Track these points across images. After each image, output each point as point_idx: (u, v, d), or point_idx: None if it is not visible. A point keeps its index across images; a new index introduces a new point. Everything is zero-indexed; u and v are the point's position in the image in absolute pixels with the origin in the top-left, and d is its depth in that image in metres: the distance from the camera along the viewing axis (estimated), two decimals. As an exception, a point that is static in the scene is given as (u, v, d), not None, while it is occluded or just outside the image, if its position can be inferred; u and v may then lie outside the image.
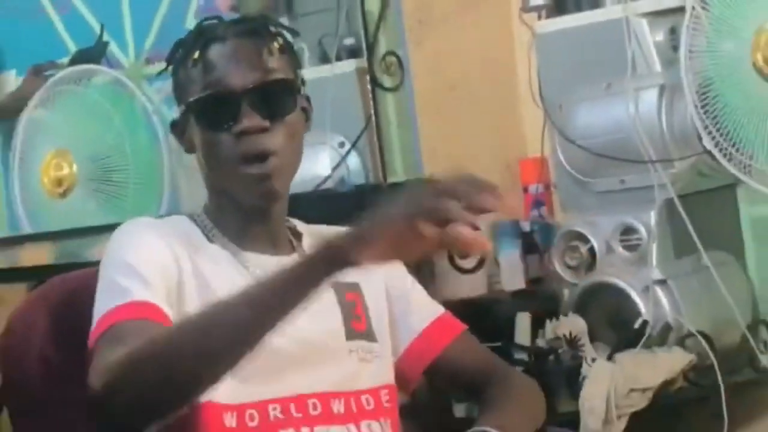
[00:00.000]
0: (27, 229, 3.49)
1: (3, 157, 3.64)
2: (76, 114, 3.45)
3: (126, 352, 1.84)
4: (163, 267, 1.99)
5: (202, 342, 1.84)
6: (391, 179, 3.35)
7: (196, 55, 2.03)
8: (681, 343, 2.94)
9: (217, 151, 2.02)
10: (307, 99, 2.09)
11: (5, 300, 2.60)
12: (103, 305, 1.95)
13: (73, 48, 3.61)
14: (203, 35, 2.07)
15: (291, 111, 2.02)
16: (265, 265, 2.04)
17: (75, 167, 3.42)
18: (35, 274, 2.66)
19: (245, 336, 1.82)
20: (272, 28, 2.11)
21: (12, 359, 2.13)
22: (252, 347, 1.82)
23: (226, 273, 2.03)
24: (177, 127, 2.10)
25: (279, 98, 2.03)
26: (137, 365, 1.83)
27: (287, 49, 2.08)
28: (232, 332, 1.83)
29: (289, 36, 2.15)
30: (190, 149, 2.09)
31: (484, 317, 2.97)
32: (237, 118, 1.97)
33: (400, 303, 2.17)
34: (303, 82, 2.10)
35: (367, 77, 3.39)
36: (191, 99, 2.03)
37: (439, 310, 2.20)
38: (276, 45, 2.06)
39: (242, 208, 2.08)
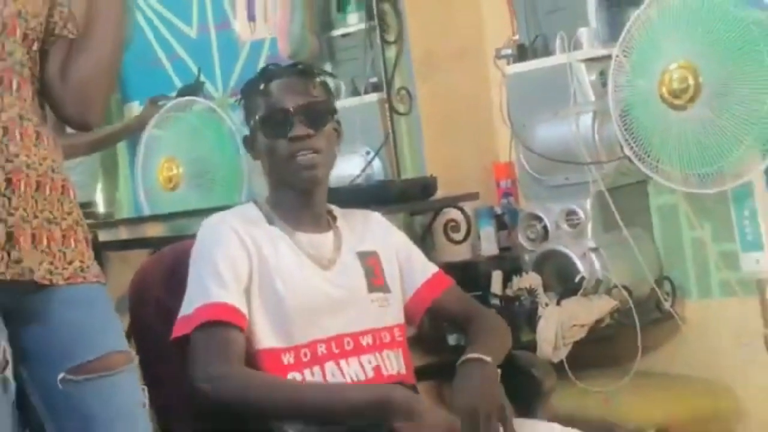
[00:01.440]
0: (147, 212, 3.47)
1: (130, 162, 3.63)
2: (181, 132, 3.43)
3: (226, 378, 1.93)
4: (237, 265, 2.01)
5: (272, 411, 1.92)
6: (403, 176, 3.29)
7: (262, 86, 2.09)
8: (608, 292, 2.96)
9: (277, 152, 2.05)
10: (338, 122, 2.14)
11: (132, 261, 2.59)
12: (191, 299, 2.01)
13: (179, 85, 3.54)
14: (267, 73, 2.13)
15: (327, 123, 2.08)
16: (311, 241, 2.09)
17: (181, 169, 3.41)
18: (153, 244, 2.68)
19: (301, 416, 1.92)
20: (315, 70, 2.16)
21: (137, 302, 2.18)
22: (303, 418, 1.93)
23: (282, 252, 2.06)
24: (247, 142, 2.15)
25: (319, 115, 2.07)
26: (238, 399, 1.92)
27: (324, 84, 2.14)
28: (293, 413, 1.92)
29: (326, 77, 2.20)
30: (256, 157, 2.14)
31: (469, 274, 2.95)
32: (291, 128, 2.02)
33: (406, 264, 2.21)
34: (335, 110, 2.15)
35: (386, 105, 3.32)
36: (258, 116, 2.07)
37: (435, 268, 2.25)
38: (317, 80, 2.12)
39: (294, 195, 2.10)
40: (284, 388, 1.99)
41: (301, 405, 1.95)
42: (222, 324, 1.96)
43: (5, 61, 1.68)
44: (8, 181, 1.66)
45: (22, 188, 1.68)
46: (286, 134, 2.03)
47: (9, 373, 1.68)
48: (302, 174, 2.04)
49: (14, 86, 1.70)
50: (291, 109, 2.04)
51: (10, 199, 1.67)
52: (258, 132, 2.09)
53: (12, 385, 1.68)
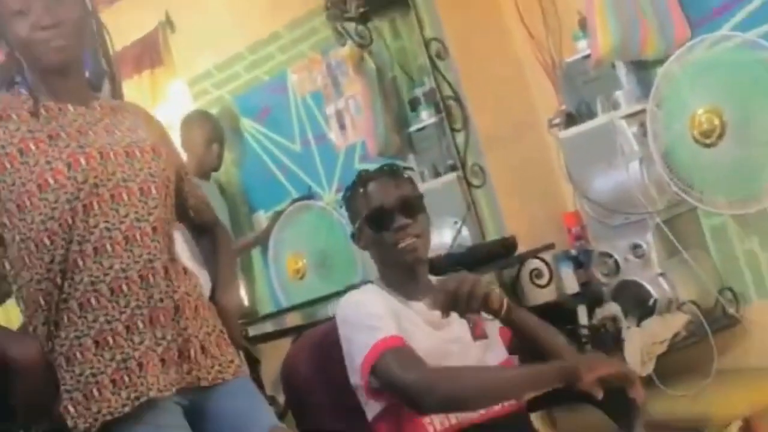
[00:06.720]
0: (283, 301, 3.41)
1: (263, 260, 3.66)
2: (302, 230, 3.42)
3: (426, 373, 1.86)
4: (388, 314, 1.98)
5: (481, 392, 1.88)
6: (487, 239, 3.21)
7: (361, 190, 2.08)
8: (679, 308, 2.89)
9: (384, 242, 2.03)
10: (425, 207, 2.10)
11: (279, 348, 2.56)
12: (365, 341, 1.95)
13: (292, 191, 3.57)
14: (362, 177, 2.10)
15: (421, 212, 2.05)
16: (417, 308, 2.05)
17: (305, 261, 3.40)
18: (295, 330, 2.65)
19: (499, 396, 1.92)
20: (401, 169, 2.14)
21: (289, 382, 2.20)
22: (499, 400, 1.94)
23: (406, 320, 2.03)
24: (354, 237, 2.11)
25: (413, 205, 2.05)
26: (451, 387, 1.86)
27: (410, 179, 2.12)
28: (494, 393, 1.90)
29: (410, 172, 2.16)
30: (365, 247, 2.10)
31: (558, 312, 2.93)
32: (392, 221, 2.00)
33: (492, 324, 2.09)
34: (422, 197, 2.10)
35: (464, 181, 3.26)
36: (364, 215, 2.05)
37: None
38: (404, 176, 2.10)
39: (403, 273, 2.06)
40: (488, 371, 1.96)
41: (506, 382, 1.90)
42: (399, 347, 1.92)
43: (160, 218, 1.76)
44: (176, 308, 1.73)
45: (187, 312, 1.76)
46: (389, 227, 2.00)
47: None
48: (407, 257, 2.01)
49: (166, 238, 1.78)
50: (390, 206, 2.02)
51: (178, 322, 1.74)
52: (365, 228, 2.06)
53: None
